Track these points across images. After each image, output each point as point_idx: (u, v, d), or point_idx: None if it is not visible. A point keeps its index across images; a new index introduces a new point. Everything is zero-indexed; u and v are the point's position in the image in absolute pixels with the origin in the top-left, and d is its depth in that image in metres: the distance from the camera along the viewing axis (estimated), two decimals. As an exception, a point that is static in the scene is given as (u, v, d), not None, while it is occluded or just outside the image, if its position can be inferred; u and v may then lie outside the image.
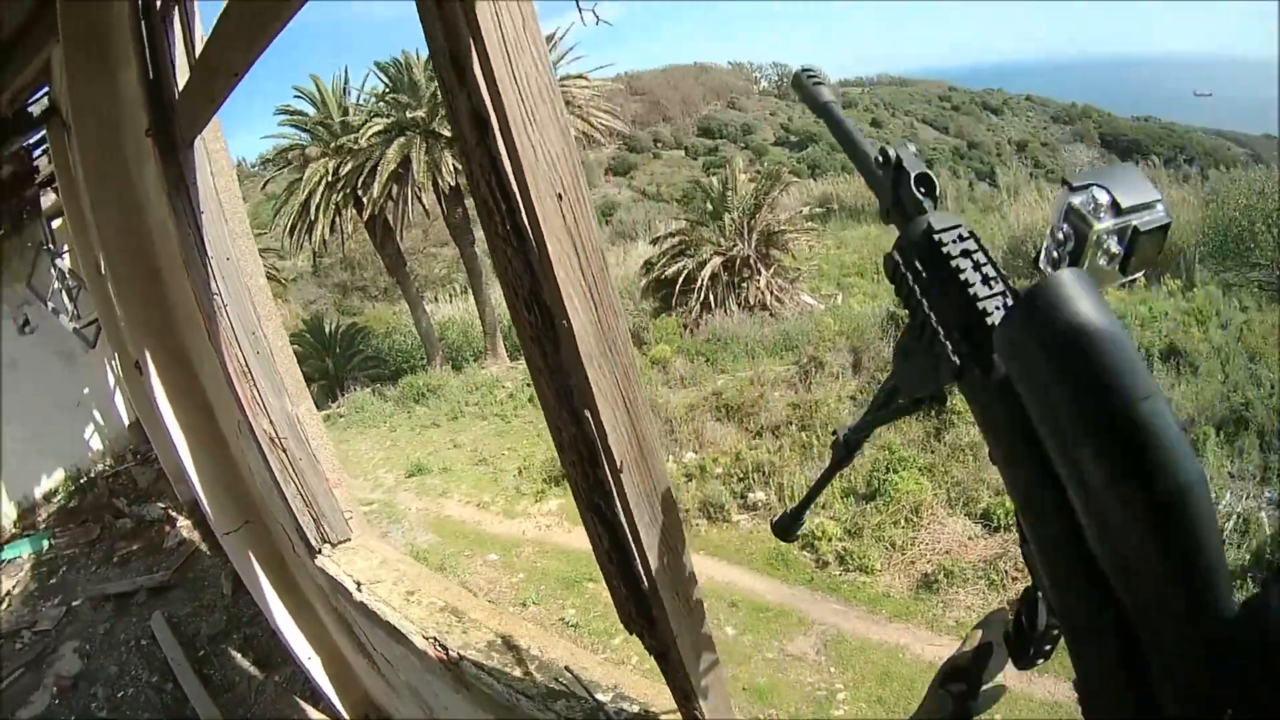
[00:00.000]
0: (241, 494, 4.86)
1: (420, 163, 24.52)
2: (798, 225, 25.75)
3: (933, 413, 14.41)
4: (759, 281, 24.34)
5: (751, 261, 24.45)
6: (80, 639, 8.92)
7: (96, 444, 14.53)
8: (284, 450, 4.01)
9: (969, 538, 11.74)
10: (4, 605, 9.46)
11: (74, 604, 9.26)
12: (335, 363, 30.14)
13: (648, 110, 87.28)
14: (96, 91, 4.16)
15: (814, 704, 9.59)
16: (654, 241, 29.24)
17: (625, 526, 1.98)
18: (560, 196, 1.68)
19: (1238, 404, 12.37)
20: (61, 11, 3.98)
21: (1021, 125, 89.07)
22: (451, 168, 24.76)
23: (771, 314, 23.80)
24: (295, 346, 28.16)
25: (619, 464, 1.85)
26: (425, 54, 25.29)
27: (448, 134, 24.58)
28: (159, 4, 3.50)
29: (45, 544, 10.07)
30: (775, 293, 24.48)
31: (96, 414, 14.44)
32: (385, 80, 26.40)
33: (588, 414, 1.82)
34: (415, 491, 18.25)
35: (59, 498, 12.27)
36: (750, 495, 14.08)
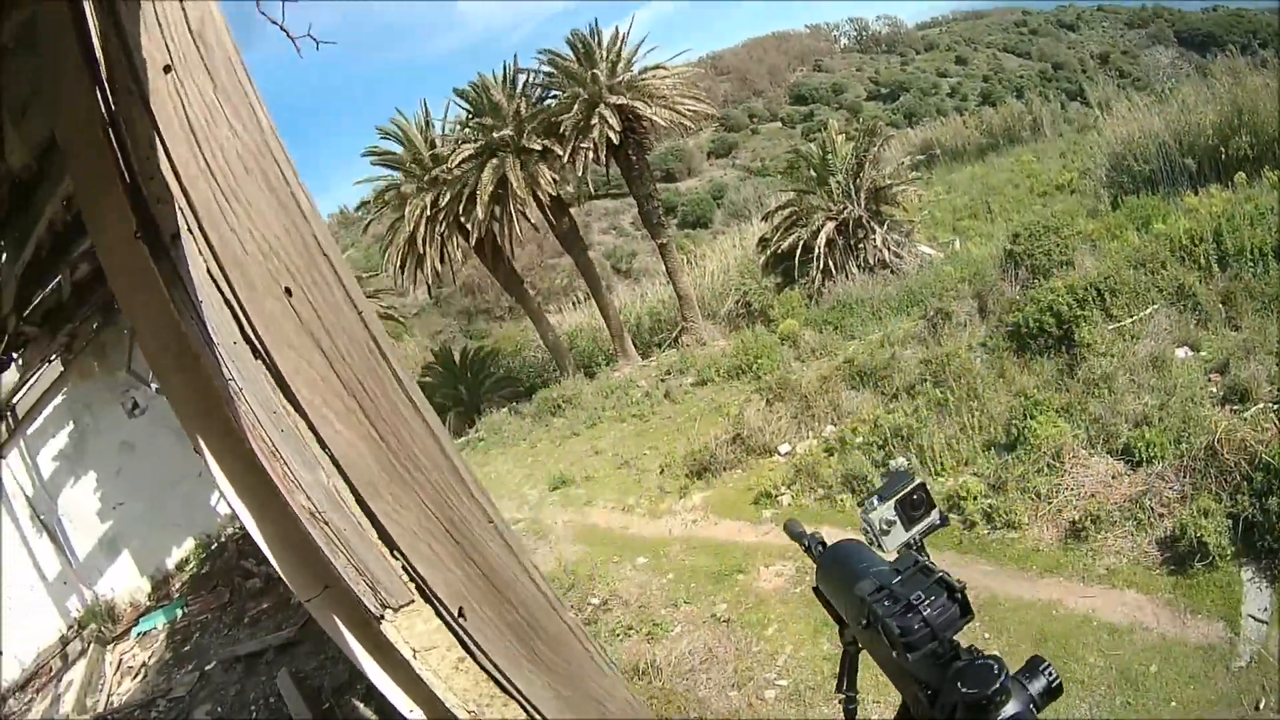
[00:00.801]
0: (315, 560, 4.93)
1: (517, 179, 24.62)
2: (903, 177, 25.29)
3: (1063, 349, 13.90)
4: (875, 240, 23.94)
5: (864, 221, 24.07)
6: (213, 701, 9.31)
7: (224, 509, 14.87)
8: (325, 523, 4.03)
9: (1112, 476, 11.19)
10: (141, 677, 9.92)
11: (206, 668, 9.63)
12: (468, 388, 30.48)
13: (737, 87, 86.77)
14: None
15: (970, 675, 9.32)
16: (765, 217, 29.02)
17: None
18: (289, 291, 1.50)
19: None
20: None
21: (1099, 37, 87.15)
22: (549, 179, 24.86)
23: (892, 271, 23.41)
24: (426, 379, 29.13)
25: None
26: (500, 74, 26.14)
27: (538, 148, 24.86)
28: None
29: (179, 613, 10.53)
30: (892, 249, 24.05)
31: (219, 479, 14.87)
32: (466, 106, 26.63)
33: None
34: (560, 503, 18.42)
35: (191, 566, 12.79)
36: (892, 463, 13.74)
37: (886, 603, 1.94)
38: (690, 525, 15.25)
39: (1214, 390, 11.98)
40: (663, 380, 24.09)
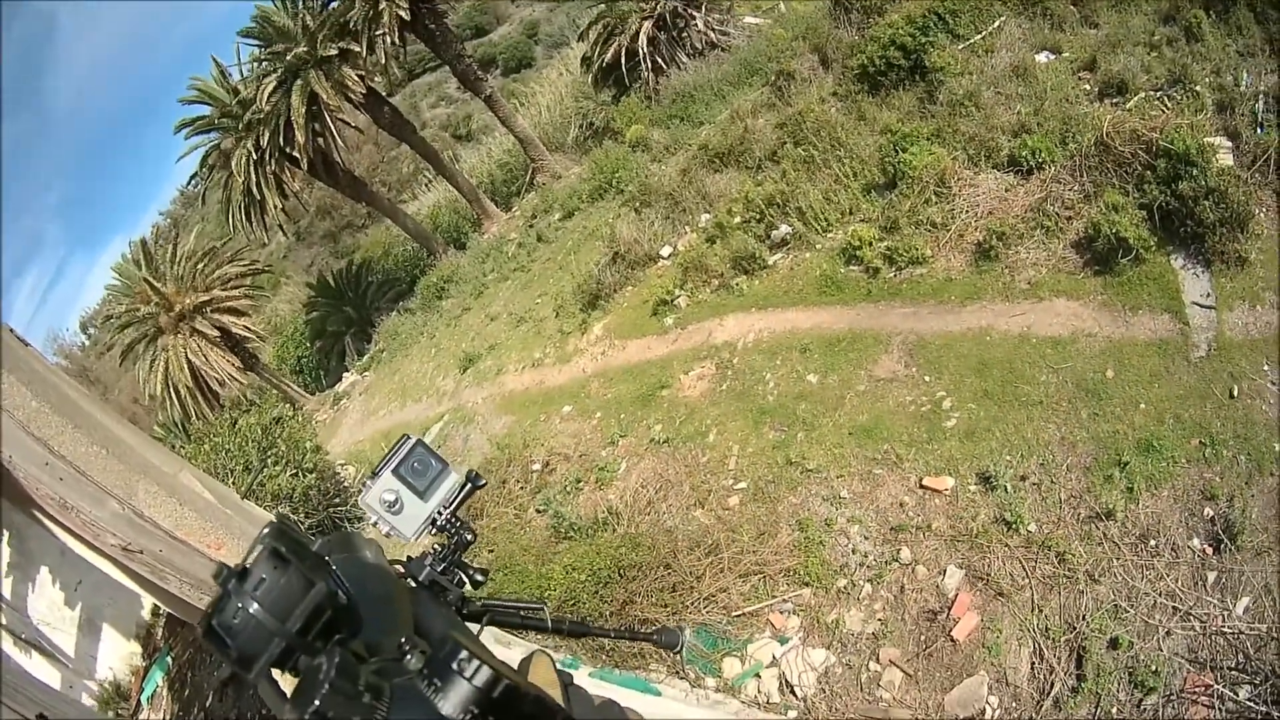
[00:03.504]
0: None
1: (325, 90, 23.81)
2: (708, -46, 24.39)
3: (917, 78, 13.56)
4: (696, 25, 23.52)
5: (680, 10, 23.53)
6: None
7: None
8: (140, 552, 3.70)
9: (1005, 190, 11.02)
10: None
11: (207, 704, 9.26)
12: (354, 306, 30.45)
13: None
14: None
15: (923, 422, 9.24)
16: (581, 37, 28.43)
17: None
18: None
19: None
20: None
21: None
22: (355, 78, 24.09)
23: (723, 49, 22.95)
24: (313, 313, 29.21)
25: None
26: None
27: (335, 52, 23.94)
28: None
29: (169, 661, 10.02)
30: (717, 28, 23.61)
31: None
32: (255, 42, 25.57)
33: None
34: (474, 383, 18.10)
35: (162, 609, 12.21)
36: (775, 233, 13.45)
37: None
38: (600, 358, 14.98)
39: (1088, 88, 11.77)
40: (531, 225, 23.81)
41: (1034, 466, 8.17)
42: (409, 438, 2.33)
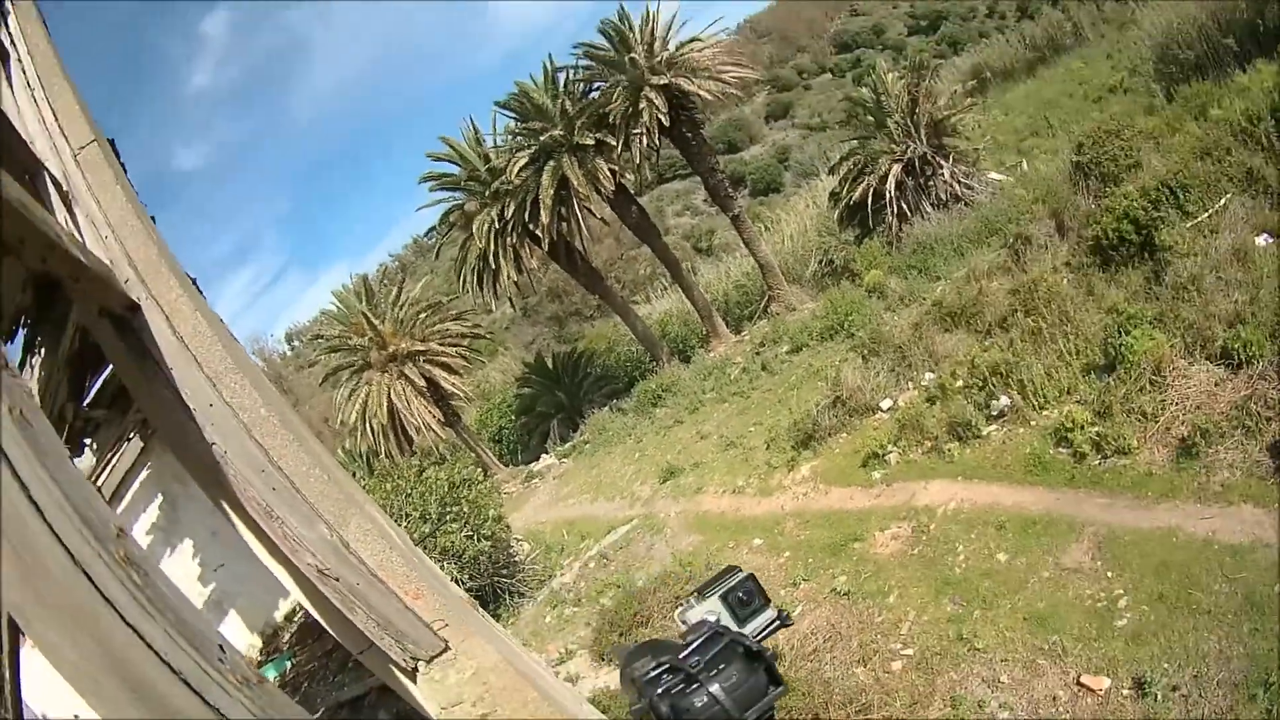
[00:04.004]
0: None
1: (576, 177, 24.73)
2: (958, 105, 24.66)
3: (1146, 255, 13.40)
4: (943, 174, 23.46)
5: (929, 157, 23.59)
6: None
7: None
8: (336, 579, 4.00)
9: (1214, 384, 10.70)
10: None
11: (315, 718, 9.77)
12: (567, 393, 30.79)
13: (779, 47, 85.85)
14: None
15: (1096, 618, 9.04)
16: (831, 171, 28.73)
17: None
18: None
19: None
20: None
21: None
22: (608, 172, 24.93)
23: (966, 203, 22.87)
24: (525, 390, 29.90)
25: None
26: (540, 76, 26.24)
27: (591, 142, 24.91)
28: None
29: (288, 664, 10.66)
30: (962, 180, 23.52)
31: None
32: (511, 114, 26.78)
33: None
34: (671, 495, 18.45)
35: (299, 615, 13.08)
36: (994, 403, 13.42)
37: (665, 679, 1.71)
38: (801, 498, 15.10)
39: (1306, 276, 11.36)
40: (757, 353, 23.97)
41: (1188, 677, 7.86)
42: (739, 569, 2.56)
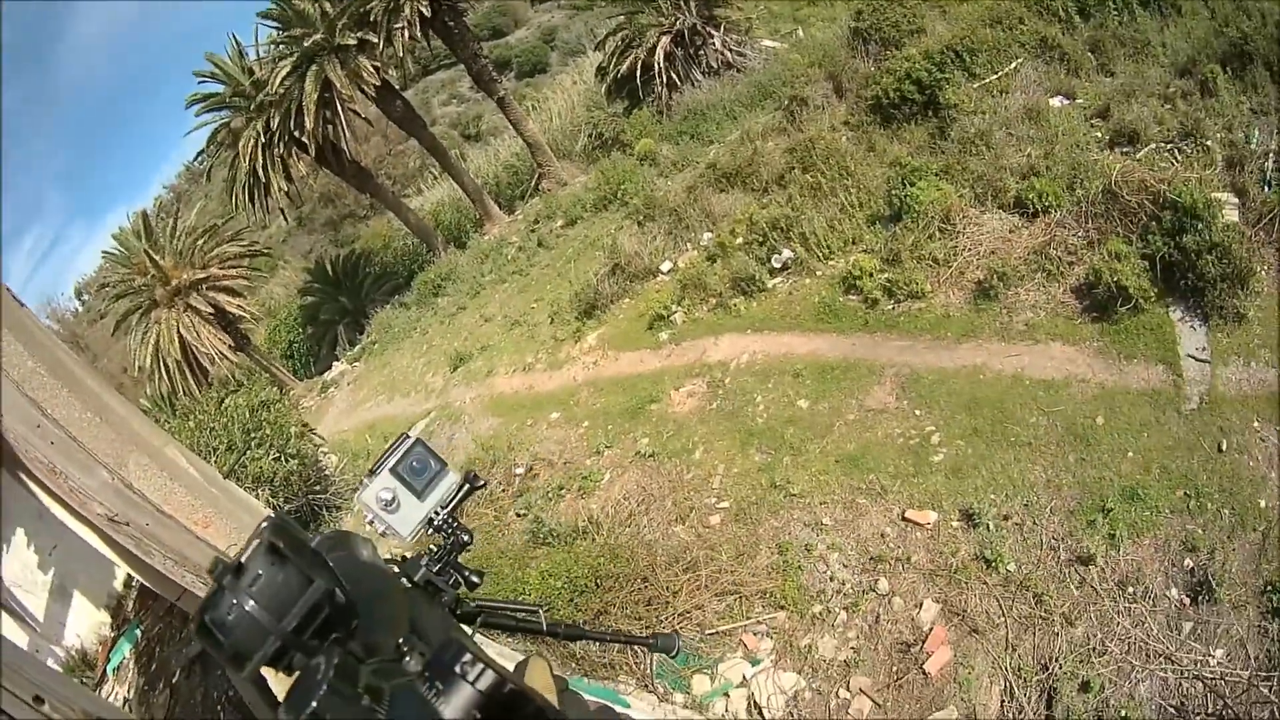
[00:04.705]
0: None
1: (339, 79, 23.75)
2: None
3: (930, 113, 13.64)
4: (714, 43, 23.47)
5: (699, 28, 23.49)
6: (184, 711, 8.80)
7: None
8: (126, 524, 3.63)
9: (1009, 231, 11.06)
10: (127, 713, 9.41)
11: (174, 681, 9.14)
12: (349, 295, 30.31)
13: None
14: None
15: (911, 455, 9.24)
16: (598, 46, 28.25)
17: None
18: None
19: (1235, 38, 11.38)
20: None
21: None
22: (371, 69, 23.98)
23: (739, 70, 22.91)
24: (308, 298, 29.19)
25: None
26: None
27: (353, 42, 23.88)
28: None
29: (138, 633, 9.88)
30: (734, 49, 23.56)
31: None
32: (274, 24, 25.45)
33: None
34: (463, 382, 18.01)
35: (134, 580, 12.12)
36: (776, 257, 13.46)
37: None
38: (592, 367, 14.95)
39: (1099, 135, 11.82)
40: (533, 230, 23.68)
41: (1018, 507, 8.18)
42: (408, 436, 2.34)
